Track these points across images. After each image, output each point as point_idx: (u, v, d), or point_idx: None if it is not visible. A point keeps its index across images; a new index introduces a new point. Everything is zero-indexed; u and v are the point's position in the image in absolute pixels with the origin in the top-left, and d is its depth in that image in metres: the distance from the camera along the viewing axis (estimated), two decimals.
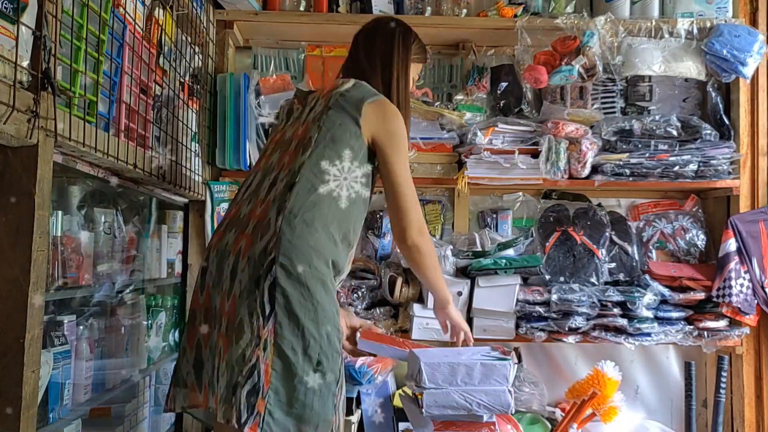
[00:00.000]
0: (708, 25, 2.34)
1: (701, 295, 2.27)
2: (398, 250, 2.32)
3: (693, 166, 2.32)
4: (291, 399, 1.32)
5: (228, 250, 1.41)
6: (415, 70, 1.74)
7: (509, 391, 1.74)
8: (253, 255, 1.36)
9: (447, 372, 1.75)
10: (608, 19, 2.32)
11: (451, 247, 2.31)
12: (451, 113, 2.41)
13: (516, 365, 1.79)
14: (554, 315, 2.21)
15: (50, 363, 1.34)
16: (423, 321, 2.22)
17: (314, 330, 1.35)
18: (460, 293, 2.21)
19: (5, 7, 1.02)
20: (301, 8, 2.45)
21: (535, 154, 2.34)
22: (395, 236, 1.59)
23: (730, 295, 2.21)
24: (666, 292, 2.26)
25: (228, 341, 1.34)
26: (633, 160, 2.30)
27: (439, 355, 1.87)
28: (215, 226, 2.19)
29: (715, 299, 2.25)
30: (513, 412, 1.75)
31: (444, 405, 1.72)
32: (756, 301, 2.26)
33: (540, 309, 2.21)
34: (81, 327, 1.54)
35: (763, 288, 2.26)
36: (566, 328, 2.19)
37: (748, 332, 2.30)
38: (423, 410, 1.68)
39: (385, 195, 1.57)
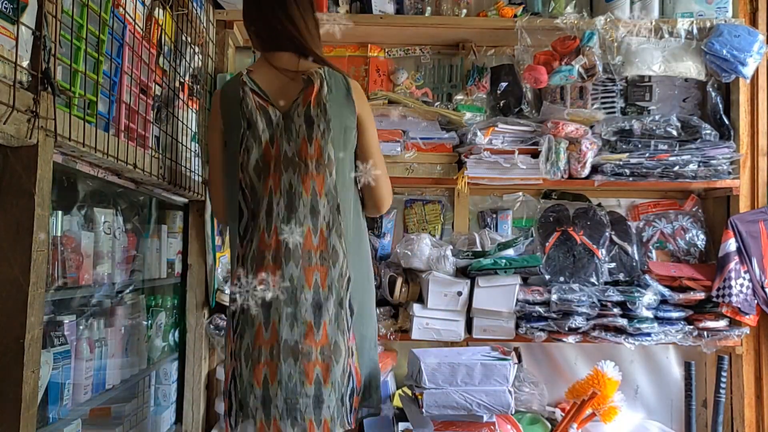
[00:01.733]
0: (708, 25, 2.34)
1: (701, 295, 2.27)
2: (397, 250, 2.33)
3: (693, 166, 2.32)
4: (375, 379, 1.61)
5: (299, 284, 1.50)
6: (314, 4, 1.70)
7: (509, 391, 1.75)
8: (332, 283, 1.51)
9: (447, 372, 1.75)
10: (608, 19, 2.32)
11: (451, 247, 2.31)
12: (451, 113, 2.41)
13: (516, 365, 1.79)
14: (554, 315, 2.22)
15: (50, 363, 1.34)
16: (423, 321, 2.22)
17: (372, 316, 1.65)
18: (460, 293, 2.21)
19: (5, 7, 1.02)
20: None
21: (535, 154, 2.34)
22: (373, 208, 1.68)
23: (730, 295, 2.21)
24: (666, 292, 2.26)
25: (329, 365, 1.50)
26: (633, 160, 2.31)
27: (439, 355, 1.87)
28: (215, 226, 2.19)
29: (715, 299, 2.25)
30: (513, 412, 1.75)
31: (444, 405, 1.72)
32: (756, 301, 2.26)
33: (540, 309, 2.21)
34: (81, 327, 1.54)
35: (763, 288, 2.26)
36: (566, 328, 2.19)
37: (748, 332, 2.30)
38: (423, 410, 1.69)
39: (360, 162, 1.62)
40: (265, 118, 1.56)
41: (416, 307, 2.23)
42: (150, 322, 1.96)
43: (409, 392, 2.11)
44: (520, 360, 2.45)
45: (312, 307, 1.49)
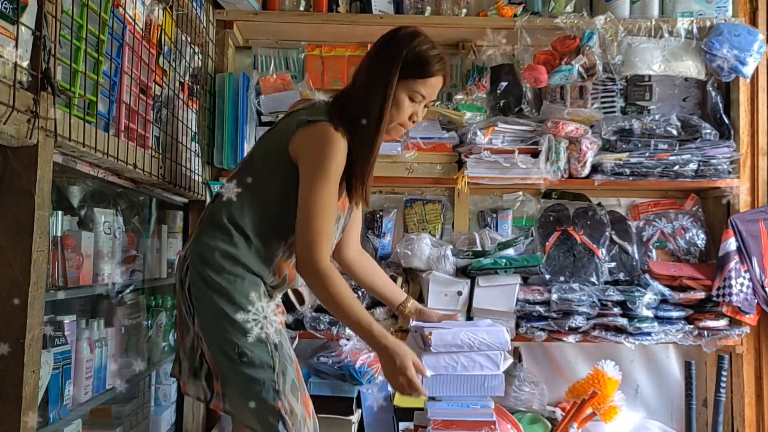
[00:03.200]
0: (708, 24, 2.34)
1: (701, 295, 2.27)
2: (398, 250, 2.33)
3: (693, 166, 2.32)
4: None
5: None
6: (408, 88, 1.54)
7: (507, 329, 1.76)
8: None
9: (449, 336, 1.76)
10: (608, 19, 2.32)
11: (451, 246, 2.31)
12: (452, 113, 2.41)
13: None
14: (554, 314, 2.21)
15: (50, 363, 1.34)
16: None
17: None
18: (460, 293, 2.21)
19: (5, 7, 1.02)
20: (301, 8, 2.45)
21: (535, 154, 2.34)
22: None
23: (730, 294, 2.21)
24: (666, 291, 2.26)
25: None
26: (633, 160, 2.30)
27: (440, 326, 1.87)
28: None
29: (715, 299, 2.25)
30: (510, 348, 1.75)
31: (449, 344, 1.72)
32: (756, 301, 2.26)
33: (540, 308, 2.21)
34: (81, 327, 1.54)
35: (763, 287, 2.26)
36: (566, 328, 2.19)
37: (748, 331, 2.30)
38: (431, 347, 1.68)
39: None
40: None
41: None
42: (150, 322, 1.96)
43: None
44: (520, 360, 2.45)
45: None
